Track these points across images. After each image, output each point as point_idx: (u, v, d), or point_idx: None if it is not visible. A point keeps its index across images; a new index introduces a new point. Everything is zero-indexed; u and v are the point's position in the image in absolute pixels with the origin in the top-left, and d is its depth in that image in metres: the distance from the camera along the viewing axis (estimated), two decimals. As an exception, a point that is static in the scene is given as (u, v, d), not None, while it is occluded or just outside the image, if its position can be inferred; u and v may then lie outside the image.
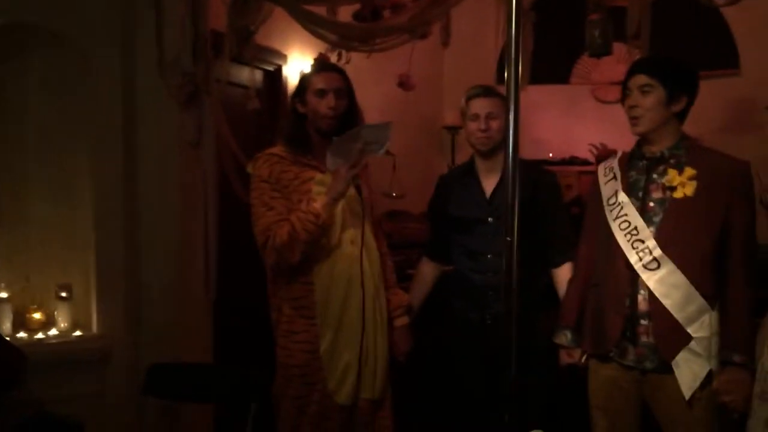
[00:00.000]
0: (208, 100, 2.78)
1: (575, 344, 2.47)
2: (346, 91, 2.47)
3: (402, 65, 4.72)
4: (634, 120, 2.29)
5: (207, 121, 2.81)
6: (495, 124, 2.65)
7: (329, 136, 2.42)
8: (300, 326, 2.45)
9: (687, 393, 2.17)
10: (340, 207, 2.40)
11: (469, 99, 2.74)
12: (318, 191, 2.40)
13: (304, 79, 2.53)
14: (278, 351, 2.51)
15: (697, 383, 2.17)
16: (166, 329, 2.96)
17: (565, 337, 2.47)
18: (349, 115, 2.45)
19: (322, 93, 2.44)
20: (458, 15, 4.46)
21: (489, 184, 2.73)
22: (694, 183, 2.20)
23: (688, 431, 2.22)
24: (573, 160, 6.22)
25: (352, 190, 2.44)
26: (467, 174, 2.80)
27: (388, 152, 5.41)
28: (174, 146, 2.95)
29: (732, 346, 2.15)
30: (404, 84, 4.95)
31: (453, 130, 6.06)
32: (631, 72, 2.32)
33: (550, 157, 6.31)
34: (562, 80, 6.51)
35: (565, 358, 2.51)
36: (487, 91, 2.72)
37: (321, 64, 2.65)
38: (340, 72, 2.53)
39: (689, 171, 2.21)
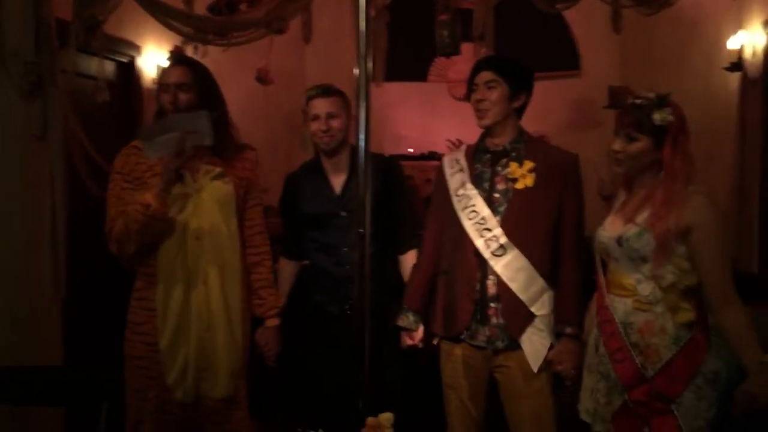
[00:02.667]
0: (53, 91, 2.66)
1: (416, 326, 2.57)
2: (192, 85, 2.43)
3: (261, 59, 4.71)
4: (480, 113, 2.43)
5: (52, 112, 2.68)
6: (335, 123, 2.71)
7: None
8: (141, 318, 2.42)
9: (535, 366, 2.35)
10: (186, 201, 2.37)
11: (309, 99, 2.78)
12: None
13: (159, 74, 2.52)
14: (125, 342, 2.48)
15: (542, 356, 2.35)
16: (13, 330, 2.81)
17: (407, 319, 2.56)
18: (201, 107, 2.40)
19: (164, 88, 2.43)
20: (319, 11, 4.52)
21: (337, 181, 2.78)
22: (533, 174, 2.37)
23: (530, 402, 2.39)
24: (432, 155, 6.43)
25: (212, 184, 2.41)
26: (315, 171, 2.84)
27: (251, 147, 5.38)
28: (19, 139, 2.80)
29: (564, 319, 2.35)
30: (262, 78, 4.93)
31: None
32: (477, 69, 2.47)
33: (409, 152, 6.50)
34: (420, 78, 6.72)
35: (406, 340, 2.61)
36: (326, 91, 2.76)
37: (170, 58, 2.59)
38: (189, 65, 2.50)
39: (528, 164, 2.39)
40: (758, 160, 4.36)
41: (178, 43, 3.69)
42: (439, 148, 6.43)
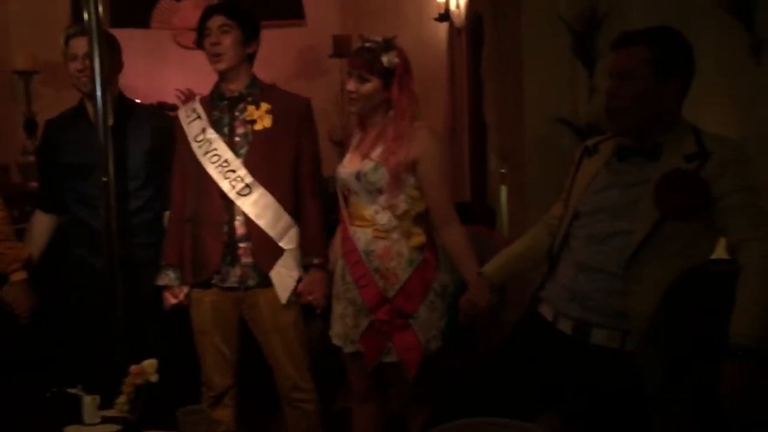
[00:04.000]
0: None
1: (179, 282, 2.51)
2: None
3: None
4: (216, 57, 2.43)
5: None
6: None
7: None
8: None
9: (284, 298, 2.44)
10: None
11: (67, 38, 2.58)
12: None
13: None
14: None
15: (290, 288, 2.45)
16: None
17: (168, 277, 2.50)
18: None
19: None
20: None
21: None
22: (270, 116, 2.45)
23: (282, 336, 2.48)
24: (162, 106, 6.20)
25: None
26: (77, 118, 2.65)
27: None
28: None
29: (311, 251, 2.49)
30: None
31: (26, 75, 5.56)
32: (209, 14, 2.46)
33: (137, 102, 6.21)
34: (143, 24, 6.41)
35: (170, 299, 2.53)
36: (82, 31, 2.57)
37: None
38: None
39: (265, 106, 2.45)
40: (466, 100, 4.90)
41: None
42: (168, 98, 6.20)
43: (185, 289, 2.50)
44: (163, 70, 6.32)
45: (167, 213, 2.60)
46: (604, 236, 1.83)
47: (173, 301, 2.51)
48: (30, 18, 5.53)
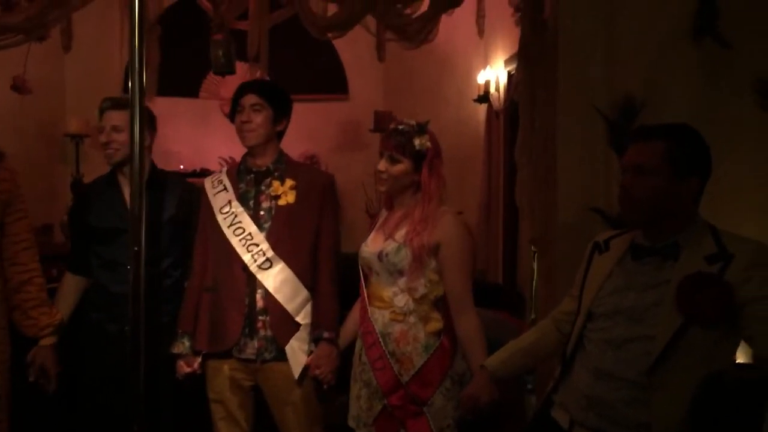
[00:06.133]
0: None
1: (193, 351, 2.52)
2: None
3: (17, 67, 4.38)
4: (246, 134, 2.51)
5: None
6: (119, 137, 2.62)
7: None
8: None
9: (296, 372, 2.44)
10: None
11: (100, 111, 2.70)
12: None
13: None
14: None
15: (302, 362, 2.45)
16: None
17: (183, 346, 2.52)
18: None
19: None
20: (81, 19, 4.30)
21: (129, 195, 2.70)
22: (294, 192, 2.51)
23: (294, 408, 2.49)
24: (204, 172, 6.36)
25: None
26: (108, 185, 2.74)
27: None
28: None
29: (322, 325, 2.48)
30: (19, 87, 4.59)
31: (77, 138, 5.78)
32: (243, 91, 2.54)
33: (180, 168, 6.37)
34: (192, 94, 6.64)
35: (183, 368, 2.53)
36: (115, 104, 2.66)
37: None
38: None
39: (290, 182, 2.52)
40: (502, 182, 4.91)
41: None
42: (212, 165, 6.37)
43: (198, 359, 2.51)
44: (208, 137, 6.51)
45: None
46: (621, 341, 1.77)
47: (187, 370, 2.52)
48: (84, 85, 5.79)
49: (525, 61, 3.17)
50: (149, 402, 2.43)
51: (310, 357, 2.44)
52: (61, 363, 2.57)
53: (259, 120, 2.48)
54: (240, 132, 2.51)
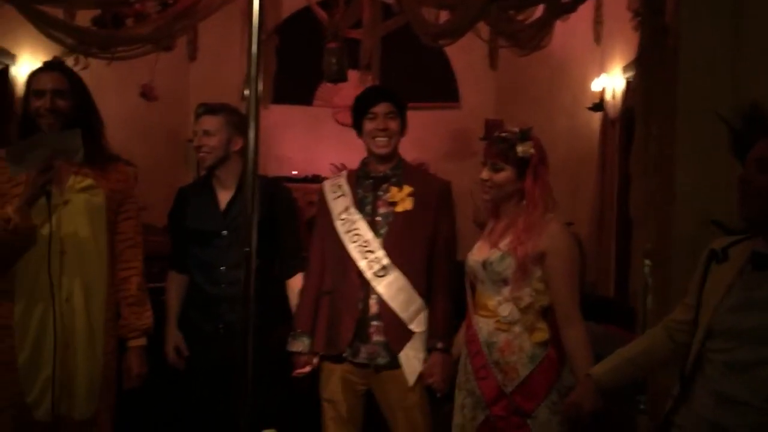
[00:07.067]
0: None
1: (311, 350, 2.56)
2: (69, 92, 2.39)
3: (145, 76, 4.65)
4: (382, 141, 2.52)
5: None
6: (210, 141, 2.71)
7: None
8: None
9: (411, 380, 2.45)
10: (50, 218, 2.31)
11: (196, 117, 2.81)
12: None
13: (28, 80, 2.44)
14: None
15: (417, 371, 2.46)
16: None
17: (302, 344, 2.57)
18: (77, 116, 2.38)
19: (39, 93, 2.36)
20: (205, 30, 4.54)
21: (224, 198, 2.79)
22: (411, 198, 2.51)
23: (406, 414, 2.50)
24: (316, 178, 6.51)
25: (80, 196, 2.36)
26: (204, 187, 2.85)
27: (129, 163, 5.24)
28: None
29: (435, 334, 2.48)
30: (147, 95, 4.88)
31: (198, 142, 6.05)
32: (375, 99, 2.55)
33: (293, 174, 6.56)
34: (306, 102, 6.83)
35: (302, 366, 2.57)
36: (208, 110, 2.77)
37: (44, 64, 2.51)
38: (64, 72, 2.46)
39: (407, 188, 2.52)
40: (615, 193, 4.74)
41: (57, 54, 3.60)
42: (323, 172, 6.51)
43: (316, 359, 2.57)
44: (320, 144, 6.67)
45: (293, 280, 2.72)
46: (746, 365, 1.66)
47: (307, 369, 2.57)
48: (207, 92, 6.05)
49: (643, 67, 3.06)
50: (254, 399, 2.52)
51: (424, 366, 2.45)
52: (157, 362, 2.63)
53: (394, 127, 2.52)
54: (373, 139, 2.53)
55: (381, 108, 2.52)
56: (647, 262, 3.27)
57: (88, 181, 2.40)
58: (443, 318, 2.48)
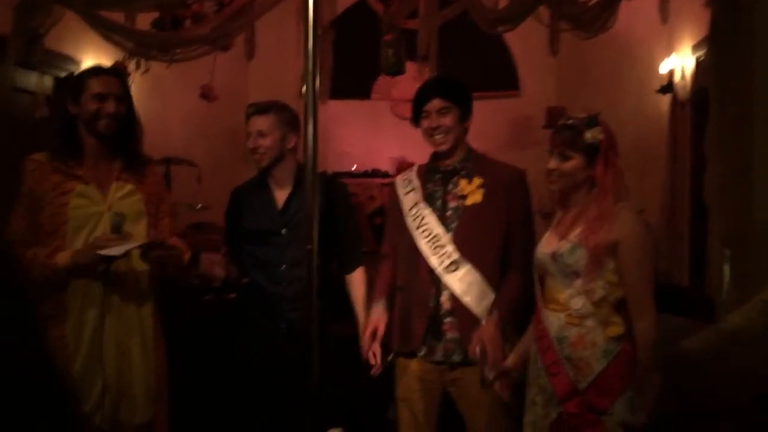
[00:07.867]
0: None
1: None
2: (124, 97, 2.43)
3: (205, 76, 4.70)
4: (437, 139, 2.48)
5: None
6: (264, 142, 2.68)
7: (109, 140, 2.41)
8: (53, 342, 2.36)
9: (491, 375, 2.35)
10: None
11: (246, 117, 2.79)
12: (77, 204, 2.35)
13: (80, 82, 2.46)
14: None
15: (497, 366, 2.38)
16: None
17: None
18: (127, 120, 2.43)
19: (101, 97, 2.38)
20: (262, 28, 4.55)
21: (281, 197, 2.77)
22: (481, 190, 2.45)
23: (486, 412, 2.44)
24: (375, 173, 6.50)
25: (123, 203, 2.41)
26: (259, 186, 2.82)
27: (192, 164, 5.30)
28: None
29: (494, 306, 2.38)
30: (207, 95, 4.93)
31: (258, 140, 6.10)
32: (426, 96, 2.50)
33: (353, 169, 6.55)
34: (364, 96, 6.80)
35: (374, 361, 2.53)
36: (259, 110, 2.73)
37: (99, 67, 2.54)
38: (119, 76, 2.49)
39: (477, 180, 2.46)
40: (687, 178, 4.55)
41: (119, 58, 3.67)
42: (383, 166, 6.49)
43: (390, 356, 2.54)
44: (379, 138, 6.63)
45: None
46: None
47: (379, 366, 2.51)
48: (265, 90, 6.08)
49: (716, 45, 2.92)
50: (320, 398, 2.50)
51: (475, 333, 2.34)
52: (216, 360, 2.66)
53: (448, 123, 2.46)
54: (429, 138, 2.49)
55: (433, 105, 2.47)
56: (725, 250, 3.13)
57: (129, 187, 2.45)
58: (507, 295, 2.41)
